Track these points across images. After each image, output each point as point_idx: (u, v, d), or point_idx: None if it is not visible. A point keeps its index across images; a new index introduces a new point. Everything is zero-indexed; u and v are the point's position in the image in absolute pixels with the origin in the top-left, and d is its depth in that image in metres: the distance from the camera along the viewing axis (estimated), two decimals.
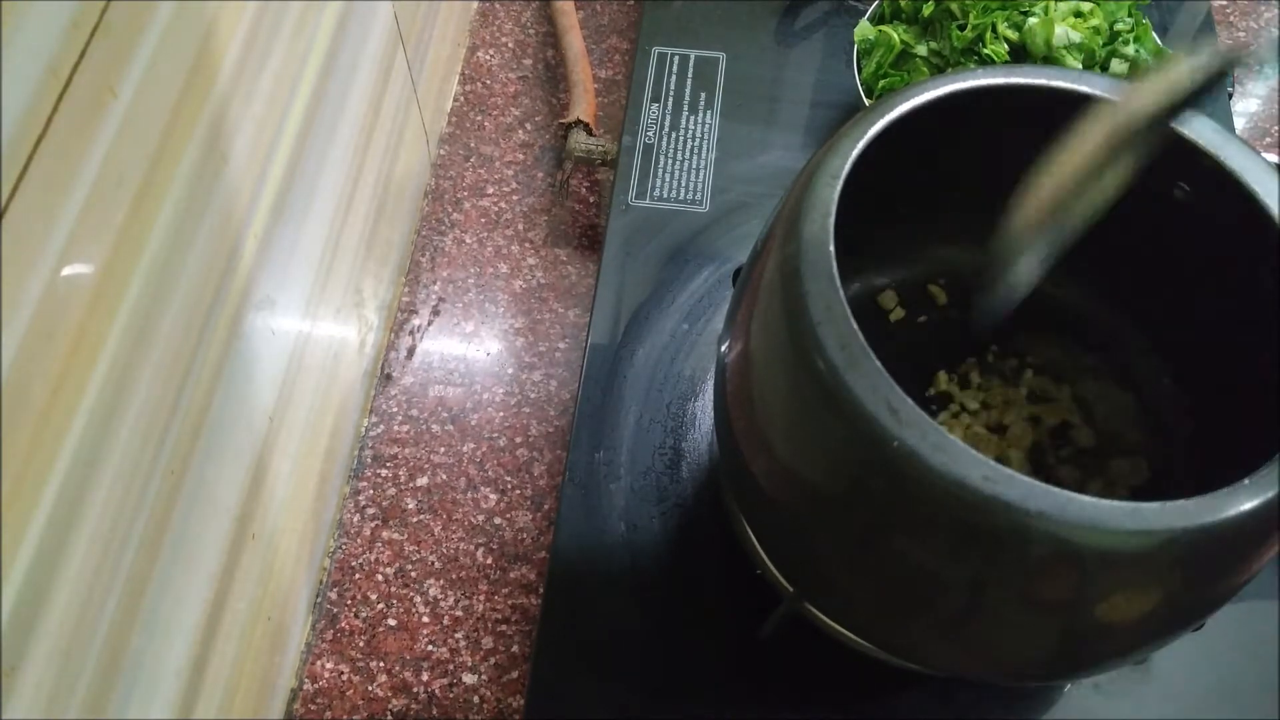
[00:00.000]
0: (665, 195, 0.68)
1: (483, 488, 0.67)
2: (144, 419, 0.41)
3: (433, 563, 0.65)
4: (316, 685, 0.61)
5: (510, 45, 0.89)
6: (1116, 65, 0.65)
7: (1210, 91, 0.37)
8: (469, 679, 0.61)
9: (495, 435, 0.69)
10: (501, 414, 0.70)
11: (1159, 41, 0.67)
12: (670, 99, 0.73)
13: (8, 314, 0.33)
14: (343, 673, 0.61)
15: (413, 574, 0.64)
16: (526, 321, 0.74)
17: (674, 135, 0.71)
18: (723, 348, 0.47)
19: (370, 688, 0.60)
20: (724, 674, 0.53)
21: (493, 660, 0.61)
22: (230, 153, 0.46)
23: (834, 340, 0.37)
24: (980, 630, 0.41)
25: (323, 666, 0.61)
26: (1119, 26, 0.66)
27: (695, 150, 0.70)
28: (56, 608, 0.37)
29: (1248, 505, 0.35)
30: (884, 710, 0.52)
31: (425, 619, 0.63)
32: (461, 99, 0.85)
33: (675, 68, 0.74)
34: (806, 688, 0.52)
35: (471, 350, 0.73)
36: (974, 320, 0.45)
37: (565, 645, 0.53)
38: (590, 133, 0.78)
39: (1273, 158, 0.46)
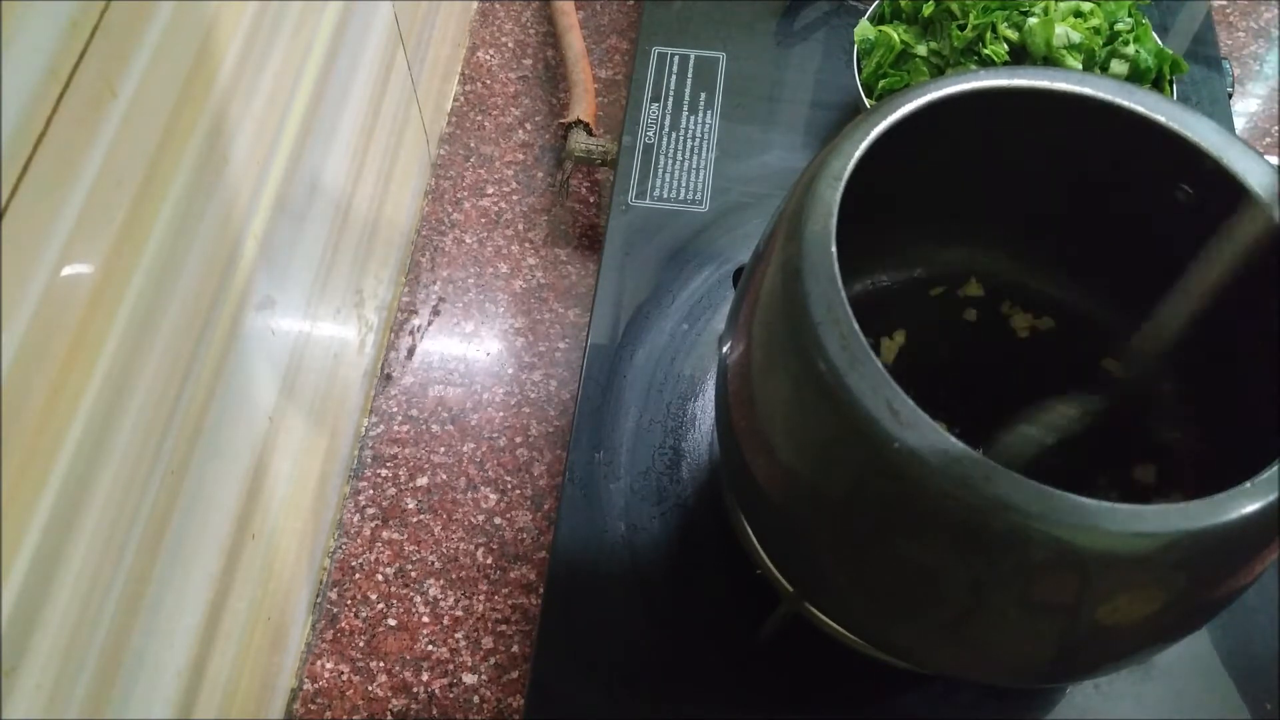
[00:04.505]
0: (665, 195, 0.68)
1: (483, 488, 0.67)
2: (144, 419, 0.41)
3: (433, 563, 0.65)
4: (316, 685, 0.61)
5: (510, 45, 0.89)
6: (1116, 65, 0.65)
7: None
8: (469, 679, 0.61)
9: (495, 435, 0.69)
10: (501, 414, 0.70)
11: (1159, 41, 0.67)
12: (670, 99, 0.73)
13: (8, 314, 0.33)
14: (343, 673, 0.61)
15: (413, 574, 0.64)
16: (526, 321, 0.74)
17: (674, 135, 0.71)
18: (724, 348, 0.47)
19: (370, 688, 0.60)
20: (724, 674, 0.53)
21: (493, 660, 0.61)
22: (230, 153, 0.46)
23: (835, 341, 0.37)
24: (981, 632, 0.41)
25: (323, 666, 0.61)
26: (1119, 26, 0.66)
27: (695, 150, 0.70)
28: (56, 608, 0.37)
29: (1250, 508, 0.35)
30: (884, 710, 0.52)
31: (425, 619, 0.63)
32: (461, 99, 0.85)
33: (675, 68, 0.74)
34: (806, 688, 0.52)
35: (471, 350, 0.73)
36: None
37: (565, 645, 0.53)
38: (590, 133, 0.78)
39: (1273, 158, 0.46)
